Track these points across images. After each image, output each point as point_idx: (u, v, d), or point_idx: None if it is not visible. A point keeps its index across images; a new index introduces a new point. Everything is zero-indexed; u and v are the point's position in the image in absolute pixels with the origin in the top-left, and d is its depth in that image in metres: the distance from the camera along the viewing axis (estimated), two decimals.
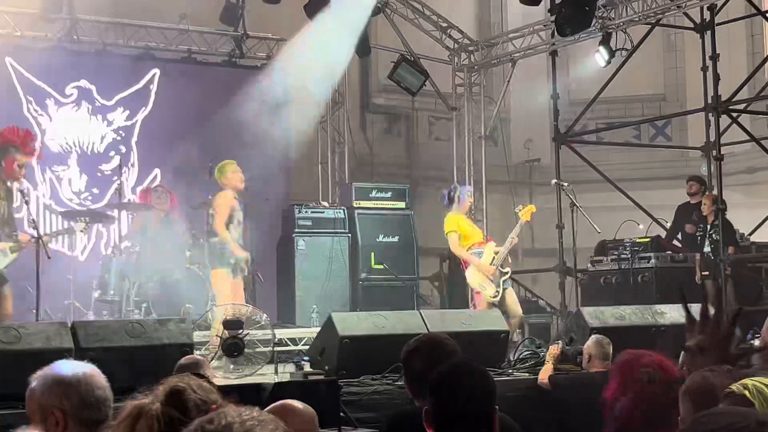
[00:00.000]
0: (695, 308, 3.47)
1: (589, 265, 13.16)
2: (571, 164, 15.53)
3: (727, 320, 3.43)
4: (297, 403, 3.51)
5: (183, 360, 5.35)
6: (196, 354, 8.40)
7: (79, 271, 12.06)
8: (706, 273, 12.10)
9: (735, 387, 3.06)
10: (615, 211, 14.33)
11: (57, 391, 3.11)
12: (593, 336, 7.84)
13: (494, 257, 10.78)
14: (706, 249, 12.24)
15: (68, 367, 3.20)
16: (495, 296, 10.69)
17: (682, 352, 3.48)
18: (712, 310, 3.46)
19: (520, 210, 11.23)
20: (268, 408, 3.50)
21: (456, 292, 14.72)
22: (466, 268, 10.90)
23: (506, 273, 10.85)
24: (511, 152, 18.25)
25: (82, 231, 10.22)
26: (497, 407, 3.26)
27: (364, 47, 14.07)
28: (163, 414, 2.65)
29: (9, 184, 9.31)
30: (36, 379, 3.20)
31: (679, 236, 13.41)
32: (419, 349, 4.32)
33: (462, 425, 3.17)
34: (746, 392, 3.00)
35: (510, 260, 11.42)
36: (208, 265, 10.36)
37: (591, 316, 9.23)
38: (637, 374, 3.74)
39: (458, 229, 10.94)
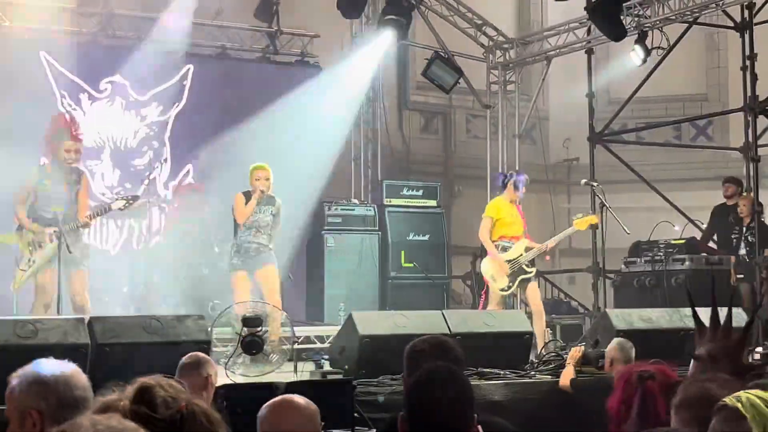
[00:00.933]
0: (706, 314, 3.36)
1: (623, 266, 12.98)
2: (610, 164, 15.36)
3: (740, 328, 3.33)
4: (298, 399, 3.45)
5: (185, 358, 5.28)
6: (215, 351, 8.41)
7: (109, 265, 12.14)
8: (741, 276, 11.91)
9: (729, 399, 2.96)
10: (653, 212, 14.16)
11: (34, 391, 3.06)
12: (615, 339, 7.69)
13: (522, 254, 10.60)
14: (742, 251, 12.06)
15: (48, 367, 3.15)
16: (504, 290, 10.57)
17: (692, 361, 3.37)
18: (722, 317, 3.35)
19: (578, 217, 10.98)
20: (268, 403, 3.45)
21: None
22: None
23: (530, 273, 10.64)
24: (549, 151, 18.14)
25: (120, 209, 9.98)
26: (476, 415, 3.14)
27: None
28: (131, 411, 2.61)
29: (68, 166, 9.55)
30: (15, 379, 3.15)
31: (715, 238, 13.21)
32: (425, 351, 4.23)
33: None
34: (739, 405, 2.90)
35: (548, 258, 11.28)
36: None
37: (618, 319, 9.08)
38: (635, 378, 3.66)
39: (495, 215, 10.73)
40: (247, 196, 9.94)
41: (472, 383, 7.72)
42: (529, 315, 10.27)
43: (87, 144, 13.23)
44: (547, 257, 11.37)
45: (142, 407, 2.63)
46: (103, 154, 13.46)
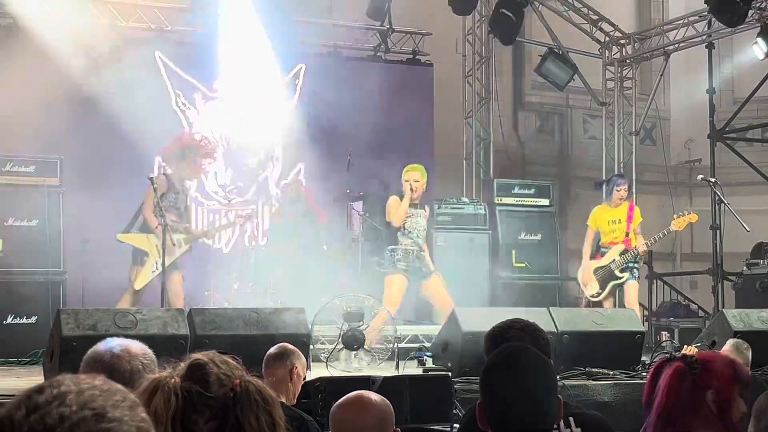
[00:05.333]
0: None
1: (745, 268, 12.50)
2: (732, 165, 14.89)
3: None
4: (373, 396, 3.28)
5: (272, 349, 5.16)
6: (318, 348, 8.34)
7: (221, 263, 12.21)
8: None
9: None
10: None
11: (100, 369, 3.01)
12: (731, 340, 7.36)
13: (615, 259, 10.71)
14: None
15: (116, 345, 3.11)
16: (594, 296, 10.82)
17: None
18: None
19: (678, 217, 10.83)
20: (341, 399, 3.29)
21: None
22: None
23: (620, 278, 10.77)
24: (670, 152, 17.65)
25: (241, 225, 10.66)
26: (560, 397, 2.88)
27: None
28: (181, 388, 2.50)
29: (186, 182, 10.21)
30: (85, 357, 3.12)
31: None
32: (507, 332, 3.94)
33: (517, 422, 2.80)
34: None
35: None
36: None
37: (735, 319, 8.71)
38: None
39: (594, 224, 11.03)
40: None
41: (579, 383, 7.53)
42: None
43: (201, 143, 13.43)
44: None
45: (194, 385, 2.53)
46: (217, 153, 13.54)
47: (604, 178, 15.11)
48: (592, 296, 10.82)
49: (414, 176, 9.83)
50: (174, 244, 9.64)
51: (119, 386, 1.34)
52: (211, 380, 2.58)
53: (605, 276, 10.79)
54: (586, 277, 10.89)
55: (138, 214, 10.09)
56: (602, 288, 10.76)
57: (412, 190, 9.69)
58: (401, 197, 9.89)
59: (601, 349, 8.19)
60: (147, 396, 2.37)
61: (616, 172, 14.90)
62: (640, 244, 10.78)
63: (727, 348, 7.22)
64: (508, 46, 16.17)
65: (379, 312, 8.51)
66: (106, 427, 1.23)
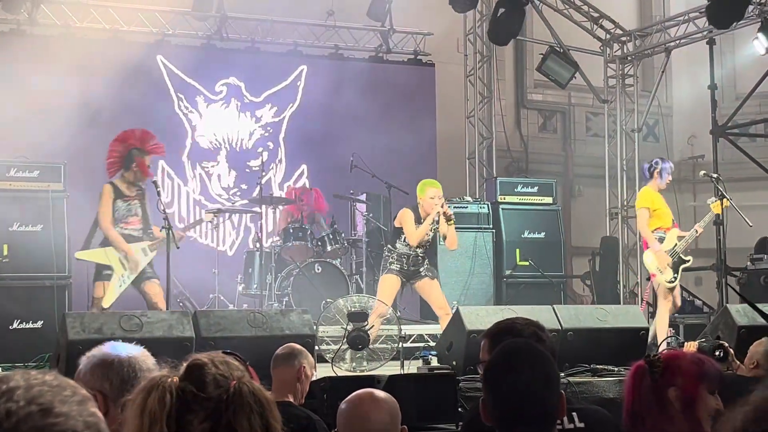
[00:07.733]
0: None
1: (749, 263, 12.51)
2: (735, 161, 14.89)
3: None
4: (379, 393, 3.30)
5: (279, 350, 5.19)
6: (323, 349, 8.36)
7: (226, 265, 12.23)
8: None
9: None
10: None
11: (99, 373, 3.00)
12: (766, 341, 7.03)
13: (676, 244, 10.33)
14: None
15: (114, 348, 3.09)
16: (672, 282, 10.27)
17: None
18: None
19: (713, 201, 10.74)
20: (348, 397, 3.31)
21: (607, 290, 14.26)
22: (646, 248, 10.48)
23: (688, 261, 10.40)
24: (673, 149, 17.66)
25: (210, 221, 10.38)
26: (563, 392, 2.90)
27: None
28: (178, 388, 2.52)
29: (142, 185, 9.48)
30: (83, 361, 3.10)
31: None
32: (509, 330, 3.91)
33: (520, 417, 2.82)
34: None
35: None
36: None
37: (739, 314, 8.71)
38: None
39: (652, 205, 10.41)
40: (415, 212, 9.50)
41: (584, 380, 7.54)
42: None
43: (203, 146, 13.51)
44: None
45: (190, 385, 2.54)
46: (219, 156, 13.62)
47: (607, 176, 15.16)
48: (670, 281, 10.23)
49: (439, 192, 9.46)
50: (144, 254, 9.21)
51: (71, 381, 1.35)
52: (208, 381, 2.59)
53: (675, 261, 10.29)
54: (663, 262, 10.25)
55: (94, 226, 9.44)
56: (676, 273, 10.25)
57: (441, 213, 9.31)
58: (413, 209, 9.53)
59: (606, 346, 8.20)
60: (143, 395, 2.38)
61: (609, 176, 14.93)
62: (696, 226, 10.47)
63: (759, 350, 6.81)
64: (510, 46, 16.20)
65: (375, 306, 8.54)
66: (52, 422, 1.25)
